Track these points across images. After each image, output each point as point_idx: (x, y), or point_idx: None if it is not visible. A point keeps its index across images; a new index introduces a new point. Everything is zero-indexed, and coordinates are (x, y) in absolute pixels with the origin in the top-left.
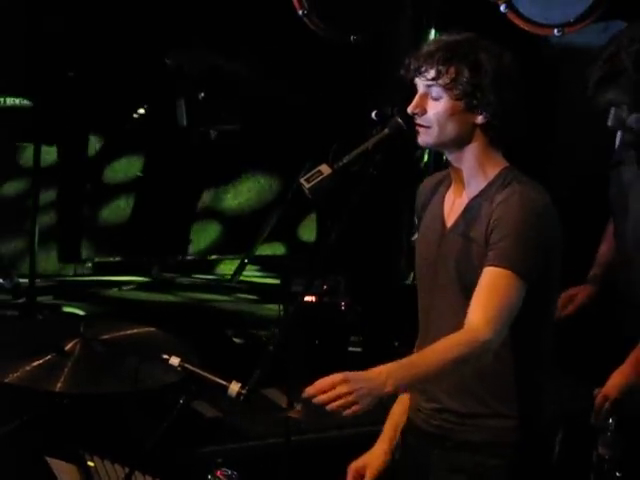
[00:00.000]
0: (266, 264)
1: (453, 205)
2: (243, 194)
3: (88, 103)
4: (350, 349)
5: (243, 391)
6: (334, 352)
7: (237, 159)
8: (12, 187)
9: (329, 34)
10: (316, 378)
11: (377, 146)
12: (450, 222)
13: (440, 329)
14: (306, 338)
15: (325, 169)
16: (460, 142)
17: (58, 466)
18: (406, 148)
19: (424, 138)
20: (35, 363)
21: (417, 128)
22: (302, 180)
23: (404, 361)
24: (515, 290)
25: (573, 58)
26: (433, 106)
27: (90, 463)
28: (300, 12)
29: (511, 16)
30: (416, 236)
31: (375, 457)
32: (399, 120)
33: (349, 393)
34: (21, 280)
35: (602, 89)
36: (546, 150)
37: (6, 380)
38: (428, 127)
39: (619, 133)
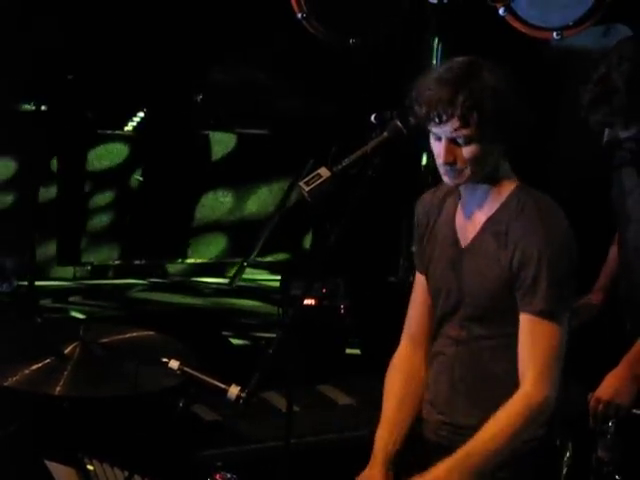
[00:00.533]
0: (265, 267)
1: (467, 224)
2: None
3: (88, 105)
4: (349, 352)
5: (242, 394)
6: (333, 355)
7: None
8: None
9: (328, 37)
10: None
11: (376, 149)
12: (465, 242)
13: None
14: (305, 341)
15: (324, 172)
16: (491, 172)
17: (57, 470)
18: (406, 151)
19: (455, 181)
20: (34, 366)
21: (446, 171)
22: (301, 183)
23: (460, 457)
24: (560, 335)
25: (574, 60)
26: (465, 151)
27: (89, 467)
28: (299, 15)
29: (510, 19)
30: (414, 248)
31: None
32: (398, 123)
33: None
34: (20, 283)
35: (594, 110)
36: (547, 151)
37: (5, 383)
38: (460, 171)
39: (606, 132)
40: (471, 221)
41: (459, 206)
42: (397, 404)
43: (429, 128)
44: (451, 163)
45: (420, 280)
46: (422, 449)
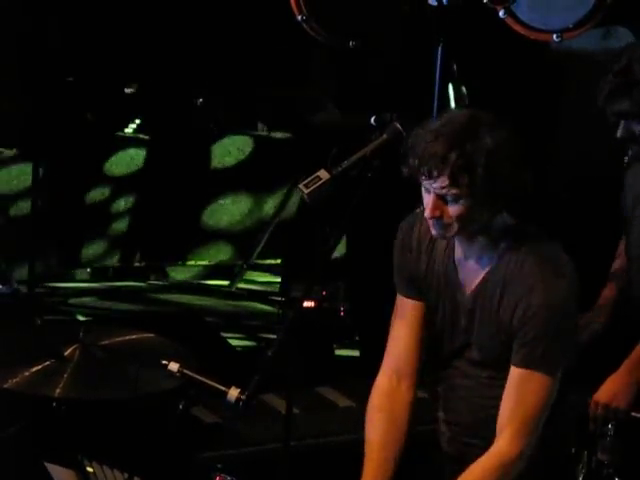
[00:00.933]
0: (265, 270)
1: (467, 270)
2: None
3: (86, 107)
4: (348, 354)
5: (242, 397)
6: (333, 357)
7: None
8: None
9: (328, 40)
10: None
11: (376, 151)
12: (469, 287)
13: (449, 393)
14: (305, 343)
15: (323, 174)
16: (482, 228)
17: (57, 472)
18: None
19: (442, 234)
20: (34, 369)
21: (434, 225)
22: (301, 185)
23: None
24: (549, 391)
25: (574, 63)
26: (453, 209)
27: (89, 469)
28: (299, 17)
29: (510, 22)
30: (397, 273)
31: None
32: (398, 126)
33: None
34: (20, 285)
35: (613, 101)
36: (547, 154)
37: (5, 386)
38: (447, 225)
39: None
40: (472, 268)
41: (456, 246)
42: (380, 450)
43: (420, 180)
44: (437, 218)
45: (409, 306)
46: (439, 459)
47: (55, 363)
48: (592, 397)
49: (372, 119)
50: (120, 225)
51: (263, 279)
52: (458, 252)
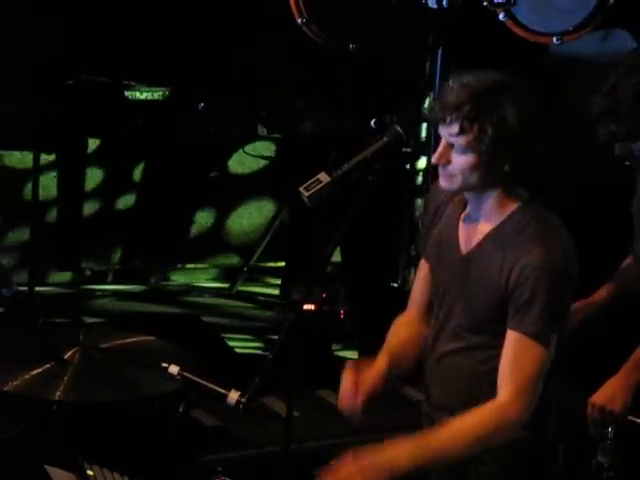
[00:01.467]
0: (265, 273)
1: (469, 232)
2: None
3: (87, 111)
4: (348, 356)
5: (242, 399)
6: (333, 360)
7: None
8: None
9: (328, 43)
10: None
11: (376, 154)
12: (466, 249)
13: (446, 352)
14: (305, 346)
15: (324, 177)
16: (483, 189)
17: (57, 475)
18: (405, 156)
19: (447, 184)
20: (34, 371)
21: (441, 172)
22: (301, 188)
23: (420, 444)
24: (544, 358)
25: (573, 65)
26: (458, 159)
27: (89, 472)
28: (299, 21)
29: (510, 24)
30: (421, 231)
31: (370, 378)
32: (398, 128)
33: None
34: (20, 288)
35: (602, 122)
36: (548, 157)
37: (5, 388)
38: (452, 176)
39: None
40: (474, 230)
41: (465, 211)
42: (401, 341)
43: (438, 126)
44: (443, 165)
45: (421, 264)
46: None
47: (55, 366)
48: (589, 400)
49: (372, 122)
50: (121, 227)
51: (263, 282)
52: (466, 212)
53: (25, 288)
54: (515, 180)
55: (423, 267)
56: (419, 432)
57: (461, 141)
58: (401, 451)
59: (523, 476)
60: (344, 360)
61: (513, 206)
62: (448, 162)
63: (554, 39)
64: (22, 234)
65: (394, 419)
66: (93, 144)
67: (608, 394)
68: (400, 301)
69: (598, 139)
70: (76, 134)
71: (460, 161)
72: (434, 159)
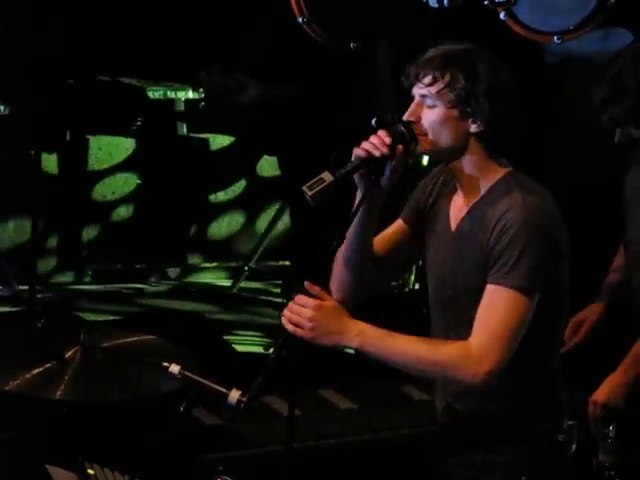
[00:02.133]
0: (267, 271)
1: (458, 209)
2: None
3: (88, 110)
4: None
5: (243, 399)
6: (334, 359)
7: None
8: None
9: (329, 41)
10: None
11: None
12: (454, 226)
13: (446, 327)
14: (306, 345)
15: (327, 176)
16: (456, 150)
17: (58, 474)
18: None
19: (420, 147)
20: (35, 371)
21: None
22: (304, 187)
23: (385, 333)
24: (520, 309)
25: (574, 64)
26: (428, 114)
27: (90, 471)
28: (300, 19)
29: (510, 23)
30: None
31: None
32: (401, 127)
33: (309, 320)
34: (21, 287)
35: (607, 108)
36: (546, 157)
37: (6, 388)
38: (424, 135)
39: (617, 131)
40: (461, 205)
41: (455, 194)
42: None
43: (412, 89)
44: (412, 121)
45: (395, 222)
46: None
47: (56, 365)
48: (590, 398)
49: (373, 121)
50: (121, 227)
51: (265, 281)
52: (456, 193)
53: (26, 287)
54: (492, 147)
55: (399, 224)
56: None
57: (432, 90)
58: (363, 329)
59: (540, 464)
60: (346, 360)
61: (496, 176)
62: (419, 119)
63: (555, 38)
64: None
65: (396, 418)
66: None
67: (608, 391)
68: (400, 300)
69: (601, 125)
70: (77, 134)
71: (430, 115)
72: (405, 116)
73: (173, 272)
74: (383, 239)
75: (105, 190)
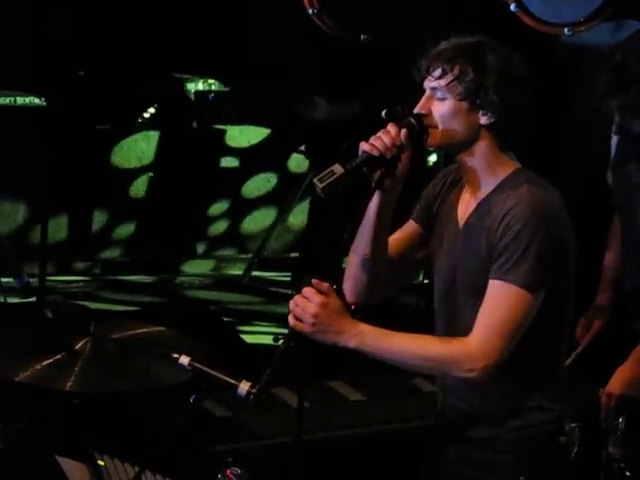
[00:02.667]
0: (277, 263)
1: (466, 205)
2: None
3: (98, 101)
4: None
5: (253, 390)
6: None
7: None
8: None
9: (339, 33)
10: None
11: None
12: (461, 222)
13: (450, 324)
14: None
15: (337, 169)
16: (465, 143)
17: (68, 465)
18: (417, 148)
19: (430, 139)
20: (45, 362)
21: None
22: (315, 180)
23: (382, 333)
24: (523, 307)
25: (585, 57)
26: (438, 107)
27: (100, 462)
28: (310, 11)
29: (521, 15)
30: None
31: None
32: (412, 120)
33: (312, 316)
34: (31, 279)
35: (609, 96)
36: (558, 150)
37: (16, 379)
38: (435, 127)
39: (614, 139)
40: (469, 201)
41: (464, 189)
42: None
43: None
44: (422, 114)
45: (408, 223)
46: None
47: (66, 356)
48: (603, 390)
49: (383, 113)
50: (132, 218)
51: (275, 272)
52: (465, 189)
53: (36, 279)
54: (502, 138)
55: (410, 225)
56: (433, 422)
57: (442, 83)
58: (361, 330)
59: (540, 466)
60: (355, 351)
61: (505, 172)
62: (429, 112)
63: (565, 30)
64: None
65: (405, 410)
66: None
67: (624, 382)
68: (410, 293)
69: (603, 113)
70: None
71: (440, 108)
72: (416, 109)
73: (183, 263)
74: (395, 240)
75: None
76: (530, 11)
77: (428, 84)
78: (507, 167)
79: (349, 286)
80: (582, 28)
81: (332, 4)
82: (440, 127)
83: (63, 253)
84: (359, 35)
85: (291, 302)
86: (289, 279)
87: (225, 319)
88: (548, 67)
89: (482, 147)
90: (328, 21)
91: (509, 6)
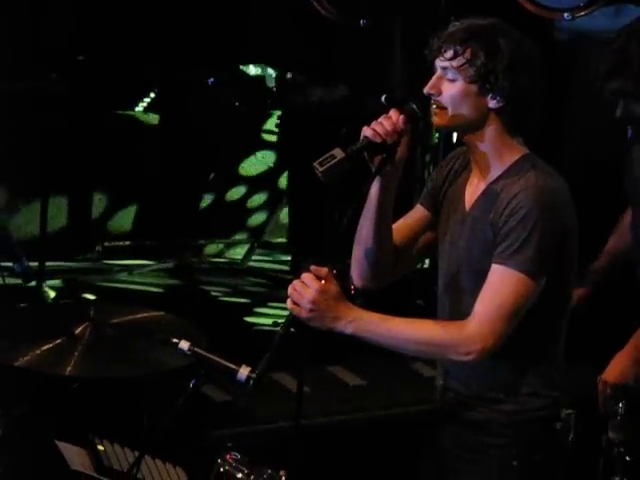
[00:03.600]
0: (276, 248)
1: (473, 190)
2: None
3: (99, 86)
4: None
5: (253, 375)
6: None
7: None
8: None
9: (339, 18)
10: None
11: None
12: (468, 206)
13: (454, 309)
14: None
15: (338, 153)
16: (474, 125)
17: (68, 450)
18: (417, 132)
19: (438, 120)
20: (45, 347)
21: (433, 109)
22: (315, 163)
23: (378, 318)
24: (523, 292)
25: (585, 42)
26: (448, 87)
27: (100, 447)
28: None
29: (521, 0)
30: (418, 204)
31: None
32: (413, 106)
33: (310, 302)
34: (31, 264)
35: (611, 79)
36: (559, 136)
37: (16, 364)
38: (444, 108)
39: (620, 104)
40: (476, 186)
41: (472, 173)
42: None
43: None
44: (432, 94)
45: (415, 208)
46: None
47: (66, 341)
48: (599, 377)
49: (383, 98)
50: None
51: (273, 257)
52: (468, 184)
53: (36, 263)
54: (511, 123)
55: (418, 209)
56: (432, 407)
57: (454, 64)
58: (357, 315)
59: (535, 450)
60: (354, 336)
61: (512, 158)
62: (440, 92)
63: (565, 15)
64: None
65: (405, 395)
66: None
67: (618, 370)
68: (411, 278)
69: (603, 97)
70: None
71: (450, 89)
72: (426, 89)
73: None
74: (403, 225)
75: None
76: None
77: (439, 63)
78: (515, 152)
79: (356, 272)
80: (582, 13)
81: None
82: (449, 108)
83: (64, 238)
84: (358, 19)
85: (289, 287)
86: (289, 264)
87: (224, 303)
88: (548, 52)
89: (490, 131)
90: (328, 6)
91: None
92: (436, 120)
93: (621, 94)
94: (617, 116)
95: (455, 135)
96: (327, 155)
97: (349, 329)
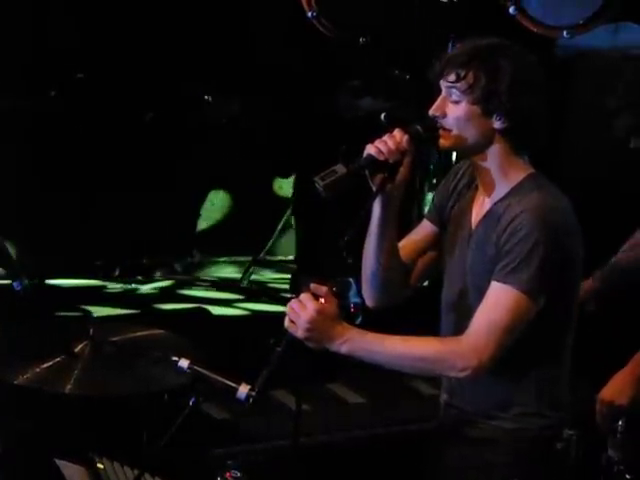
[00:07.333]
0: (275, 265)
1: (479, 208)
2: None
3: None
4: None
5: (252, 393)
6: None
7: None
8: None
9: (338, 36)
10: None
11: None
12: (474, 225)
13: (458, 326)
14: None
15: (340, 169)
16: (479, 147)
17: (67, 468)
18: (419, 151)
19: (443, 142)
20: (44, 365)
21: (439, 132)
22: (316, 178)
23: (373, 337)
24: (520, 311)
25: (584, 59)
26: (453, 109)
27: (99, 465)
28: (309, 14)
29: (520, 18)
30: (425, 220)
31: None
32: (417, 127)
33: (307, 321)
34: (30, 282)
35: (620, 116)
36: (557, 151)
37: (15, 381)
38: (449, 130)
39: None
40: (480, 206)
41: (478, 191)
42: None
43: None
44: (437, 116)
45: (422, 223)
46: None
47: (65, 359)
48: (597, 395)
49: (382, 116)
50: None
51: (273, 275)
52: (475, 204)
53: (35, 281)
54: (516, 142)
55: (424, 225)
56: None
57: (457, 88)
58: (351, 336)
59: (536, 469)
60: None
61: (518, 177)
62: (444, 114)
63: (564, 32)
64: None
65: (405, 413)
66: None
67: (616, 389)
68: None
69: (613, 133)
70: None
71: (455, 111)
72: (431, 111)
73: (180, 266)
74: (409, 242)
75: None
76: (529, 14)
77: (443, 84)
78: (520, 171)
79: (366, 294)
80: (581, 31)
81: (330, 7)
82: (455, 130)
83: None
84: (358, 37)
85: (288, 306)
86: (288, 282)
87: (223, 321)
88: (547, 70)
89: (495, 151)
90: (327, 23)
91: (508, 9)
92: (441, 142)
93: (632, 131)
94: (632, 147)
95: (454, 154)
96: (329, 170)
97: (344, 349)
